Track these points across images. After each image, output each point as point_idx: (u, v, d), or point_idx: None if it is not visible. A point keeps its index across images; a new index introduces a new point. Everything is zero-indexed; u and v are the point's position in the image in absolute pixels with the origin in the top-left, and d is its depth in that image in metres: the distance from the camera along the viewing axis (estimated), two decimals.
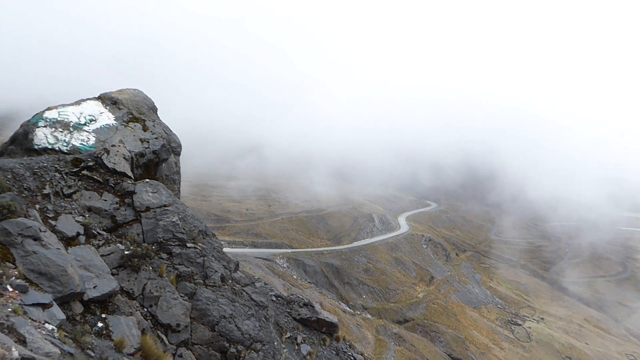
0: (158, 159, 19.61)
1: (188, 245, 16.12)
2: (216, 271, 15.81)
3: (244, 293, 16.42)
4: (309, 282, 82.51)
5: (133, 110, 20.54)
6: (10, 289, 10.79)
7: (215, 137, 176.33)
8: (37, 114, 18.44)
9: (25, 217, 13.05)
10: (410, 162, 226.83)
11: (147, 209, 16.34)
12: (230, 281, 16.23)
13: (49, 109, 18.74)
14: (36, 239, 12.56)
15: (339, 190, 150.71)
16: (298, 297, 24.03)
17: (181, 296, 14.51)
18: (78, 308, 12.44)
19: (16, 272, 11.81)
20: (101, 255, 14.18)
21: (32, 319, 10.34)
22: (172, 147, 20.74)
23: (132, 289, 14.09)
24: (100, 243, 14.67)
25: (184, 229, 16.42)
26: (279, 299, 22.87)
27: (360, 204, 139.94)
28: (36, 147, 17.26)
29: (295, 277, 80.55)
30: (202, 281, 15.32)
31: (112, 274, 13.85)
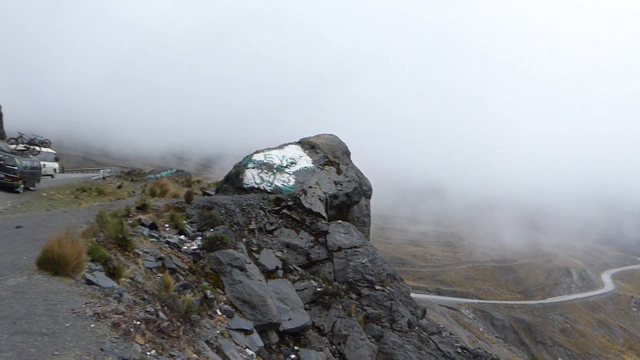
0: (350, 201, 20.37)
1: (376, 287, 16.26)
2: (403, 316, 15.64)
3: (431, 341, 15.93)
4: (497, 337, 77.19)
5: (329, 154, 21.76)
6: (219, 313, 11.94)
7: (396, 178, 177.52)
8: (247, 156, 20.63)
9: (234, 249, 14.43)
10: (613, 210, 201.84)
11: (339, 249, 16.94)
12: (417, 328, 15.91)
13: (256, 152, 20.87)
14: (242, 269, 13.76)
15: (529, 239, 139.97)
16: (485, 351, 22.56)
17: (368, 337, 14.58)
18: (274, 338, 13.22)
19: (224, 298, 13.07)
20: (296, 290, 14.99)
21: (236, 343, 11.27)
22: (363, 190, 21.40)
23: (322, 325, 14.58)
24: (296, 278, 15.55)
25: (372, 271, 16.65)
26: (465, 351, 21.69)
27: (554, 256, 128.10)
28: (245, 186, 19.25)
29: (481, 329, 76.10)
30: (389, 325, 15.26)
31: (305, 309, 14.52)
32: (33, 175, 26.78)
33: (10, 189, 24.40)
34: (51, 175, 39.64)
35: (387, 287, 16.50)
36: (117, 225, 12.10)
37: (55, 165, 42.52)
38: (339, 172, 20.98)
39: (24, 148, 28.86)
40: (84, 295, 6.73)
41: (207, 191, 23.89)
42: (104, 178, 47.28)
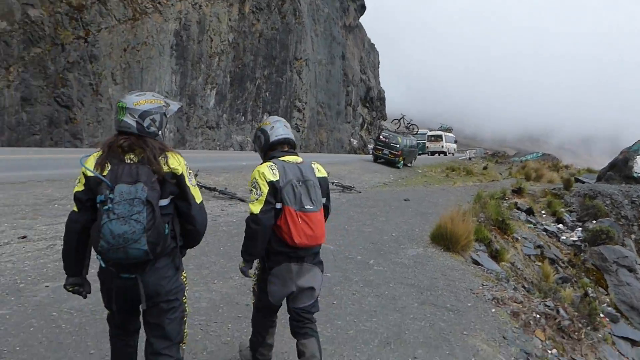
0: None
1: None
2: None
3: None
4: None
5: None
6: (602, 315, 10.64)
7: None
8: (638, 141, 17.85)
9: (622, 245, 12.69)
10: None
11: None
12: None
13: None
14: (631, 270, 11.99)
15: None
16: None
17: None
18: None
19: (607, 299, 11.63)
20: None
21: (620, 353, 9.87)
22: None
23: None
24: None
25: None
26: None
27: None
28: (635, 175, 16.69)
29: None
30: None
31: None
32: (411, 153, 29.32)
33: (392, 164, 27.28)
34: (452, 154, 49.49)
35: None
36: (496, 208, 12.01)
37: (454, 146, 52.85)
38: None
39: (405, 129, 31.79)
40: (478, 276, 6.75)
41: (579, 178, 21.78)
42: (470, 159, 48.67)
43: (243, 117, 31.24)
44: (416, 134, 33.12)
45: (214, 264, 6.37)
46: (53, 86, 18.96)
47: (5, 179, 10.45)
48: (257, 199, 3.06)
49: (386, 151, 27.14)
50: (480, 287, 6.12)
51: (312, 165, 3.34)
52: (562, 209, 14.43)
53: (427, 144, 50.04)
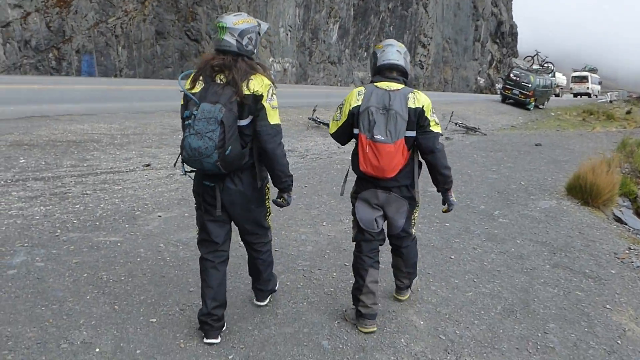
0: None
1: None
2: None
3: None
4: None
5: None
6: None
7: None
8: None
9: None
10: None
11: None
12: None
13: None
14: None
15: None
16: None
17: None
18: None
19: None
20: None
21: None
22: None
23: None
24: None
25: None
26: None
27: None
28: None
29: None
30: None
31: None
32: (544, 94, 26.94)
33: (522, 105, 25.32)
34: (596, 96, 47.94)
35: None
36: None
37: (599, 87, 50.67)
38: None
39: (539, 67, 29.19)
40: (623, 238, 5.85)
41: None
42: (610, 102, 44.16)
43: (365, 53, 30.40)
44: (552, 72, 30.18)
45: (324, 204, 6.13)
46: (184, 20, 19.51)
47: (138, 109, 10.96)
48: (335, 121, 3.20)
49: (516, 91, 25.14)
50: (627, 252, 5.28)
51: (410, 94, 3.03)
52: None
53: (572, 85, 47.63)
